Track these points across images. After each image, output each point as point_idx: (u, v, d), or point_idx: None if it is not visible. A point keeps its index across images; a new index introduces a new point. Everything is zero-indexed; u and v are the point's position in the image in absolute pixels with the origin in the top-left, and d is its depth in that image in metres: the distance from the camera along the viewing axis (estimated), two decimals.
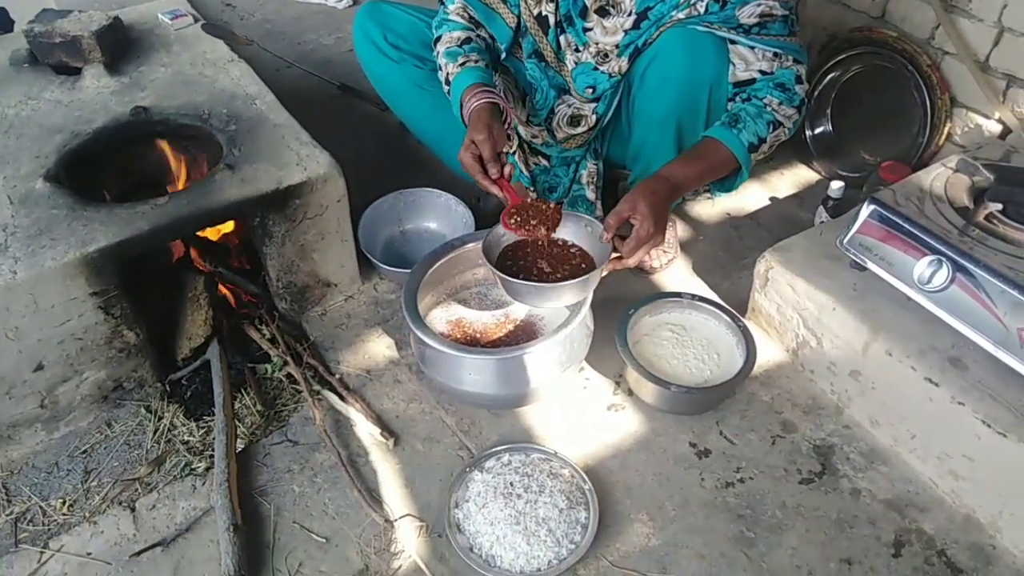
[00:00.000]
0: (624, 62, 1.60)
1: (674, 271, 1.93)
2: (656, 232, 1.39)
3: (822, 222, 1.97)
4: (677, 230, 1.98)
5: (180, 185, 1.74)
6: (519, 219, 1.46)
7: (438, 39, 1.67)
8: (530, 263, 1.49)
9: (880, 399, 1.53)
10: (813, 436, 1.56)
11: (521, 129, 1.90)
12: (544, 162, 1.97)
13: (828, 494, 1.47)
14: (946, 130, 1.98)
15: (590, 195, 1.96)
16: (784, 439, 1.56)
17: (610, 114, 1.72)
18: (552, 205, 1.50)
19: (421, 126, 1.95)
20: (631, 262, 1.42)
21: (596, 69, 1.63)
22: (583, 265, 1.49)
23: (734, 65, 1.51)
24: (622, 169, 2.01)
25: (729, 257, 1.99)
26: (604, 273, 1.45)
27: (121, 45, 1.99)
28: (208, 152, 1.75)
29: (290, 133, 1.73)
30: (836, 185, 1.92)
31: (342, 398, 1.62)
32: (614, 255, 1.43)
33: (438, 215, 1.99)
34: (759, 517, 1.43)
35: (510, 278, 1.40)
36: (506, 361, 1.45)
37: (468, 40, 1.62)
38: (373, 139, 2.41)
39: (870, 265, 1.54)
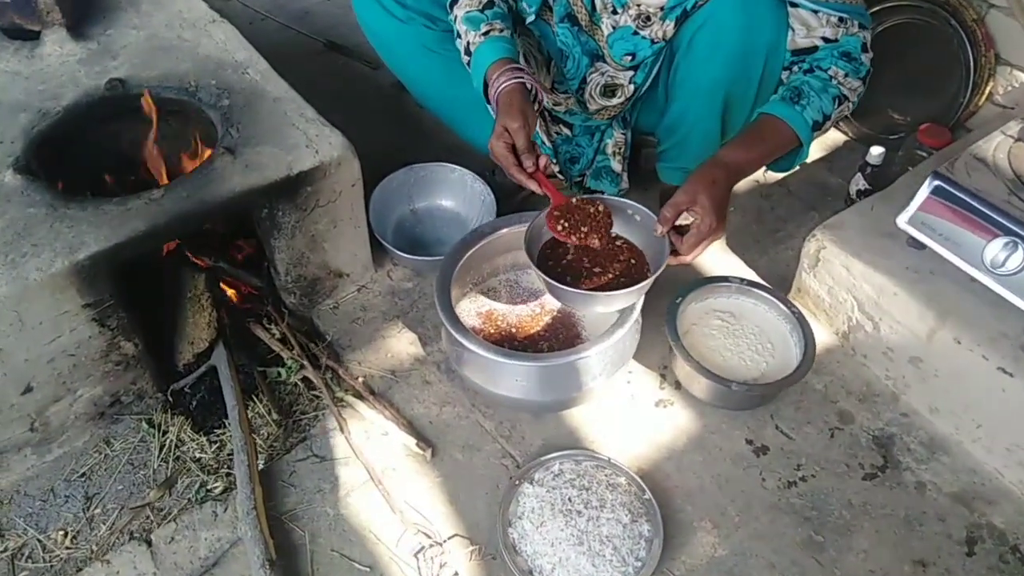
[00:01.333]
0: (670, 26, 1.44)
1: (709, 250, 1.81)
2: (719, 226, 1.27)
3: (859, 190, 1.86)
4: None
5: (163, 177, 1.53)
6: (567, 224, 1.31)
7: (455, 0, 1.48)
8: (575, 261, 1.36)
9: (943, 387, 1.46)
10: (871, 426, 1.49)
11: (543, 96, 1.73)
12: (566, 131, 1.81)
13: (893, 489, 1.40)
14: (987, 89, 1.87)
15: (616, 166, 1.81)
16: (842, 431, 1.48)
17: (648, 83, 1.56)
18: (601, 207, 1.35)
19: (431, 94, 1.77)
20: (689, 259, 1.30)
21: (636, 34, 1.47)
22: (633, 261, 1.36)
23: (793, 31, 1.36)
24: (648, 136, 1.87)
25: (763, 230, 1.88)
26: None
27: (83, 3, 1.74)
28: (200, 131, 1.55)
29: (293, 108, 1.53)
30: (876, 151, 1.80)
31: (369, 404, 1.48)
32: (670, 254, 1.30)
33: (452, 192, 1.83)
34: (826, 519, 1.36)
35: (561, 285, 1.27)
36: (555, 367, 1.32)
37: (491, 3, 1.44)
38: (367, 102, 2.21)
39: (933, 245, 1.45)
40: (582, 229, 1.31)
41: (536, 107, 1.39)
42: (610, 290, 1.31)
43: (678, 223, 1.31)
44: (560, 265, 1.37)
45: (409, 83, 1.78)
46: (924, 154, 1.86)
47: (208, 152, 1.47)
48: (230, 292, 1.62)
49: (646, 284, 1.28)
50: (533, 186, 1.32)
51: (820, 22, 1.34)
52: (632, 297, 1.30)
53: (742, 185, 1.98)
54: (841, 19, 1.34)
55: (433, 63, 1.67)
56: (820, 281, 1.60)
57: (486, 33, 1.39)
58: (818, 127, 1.34)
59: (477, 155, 1.85)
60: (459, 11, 1.45)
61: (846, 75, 1.34)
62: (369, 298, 1.69)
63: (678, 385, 1.54)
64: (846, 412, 1.51)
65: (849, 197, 1.89)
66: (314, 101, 1.55)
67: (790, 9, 1.35)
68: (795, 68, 1.39)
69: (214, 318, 1.52)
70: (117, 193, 1.35)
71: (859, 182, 1.86)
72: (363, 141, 2.08)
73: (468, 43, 1.43)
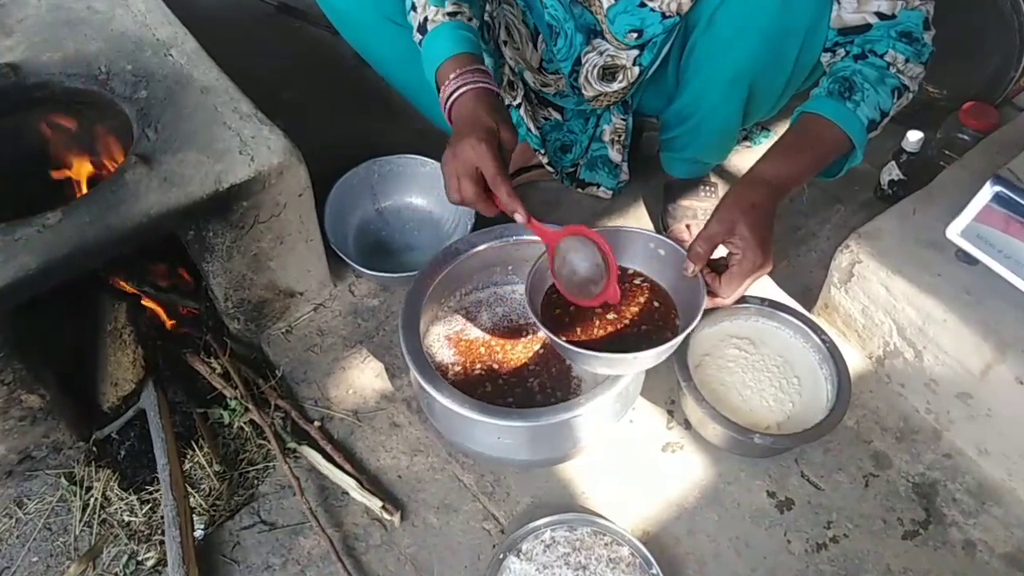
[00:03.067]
0: None
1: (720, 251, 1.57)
2: (765, 261, 1.03)
3: (892, 180, 1.62)
4: (719, 193, 1.60)
5: (82, 184, 1.26)
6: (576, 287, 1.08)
7: None
8: (577, 271, 1.12)
9: (996, 428, 1.25)
10: (910, 471, 1.29)
11: (528, 75, 1.46)
12: (556, 115, 1.55)
13: (937, 550, 1.21)
14: None
15: (614, 156, 1.56)
16: (878, 478, 1.28)
17: (657, 64, 1.30)
18: (604, 241, 1.09)
19: (397, 73, 1.49)
20: (729, 302, 1.06)
21: (644, 6, 1.19)
22: (656, 304, 1.12)
23: (839, 4, 1.10)
24: (649, 118, 1.61)
25: (782, 228, 1.63)
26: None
27: None
28: (110, 128, 1.28)
29: (224, 101, 1.26)
30: (914, 137, 1.56)
31: (327, 456, 1.26)
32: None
33: (423, 188, 1.57)
34: None
35: (576, 348, 1.03)
36: (546, 427, 1.10)
37: None
38: (324, 76, 1.92)
39: (991, 263, 1.22)
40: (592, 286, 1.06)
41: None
42: (629, 340, 1.08)
43: (712, 256, 1.07)
44: (568, 313, 1.13)
45: (372, 61, 1.50)
46: (966, 137, 1.62)
47: (121, 159, 1.20)
48: (163, 315, 1.37)
49: (676, 341, 1.04)
50: (519, 217, 1.04)
51: None
52: (662, 356, 1.06)
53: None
54: None
55: (399, 38, 1.38)
56: (853, 299, 1.37)
57: (452, 15, 1.11)
58: (874, 127, 1.09)
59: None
60: None
61: (907, 60, 1.09)
62: (327, 319, 1.45)
63: (688, 425, 1.32)
64: (882, 454, 1.31)
65: (880, 187, 1.65)
66: (262, 76, 1.28)
67: None
68: (840, 51, 1.13)
69: (140, 356, 1.28)
70: (3, 215, 1.09)
71: (892, 171, 1.62)
72: (320, 124, 1.83)
73: (426, 19, 1.14)
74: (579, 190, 1.62)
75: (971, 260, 1.28)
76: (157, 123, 1.22)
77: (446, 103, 1.07)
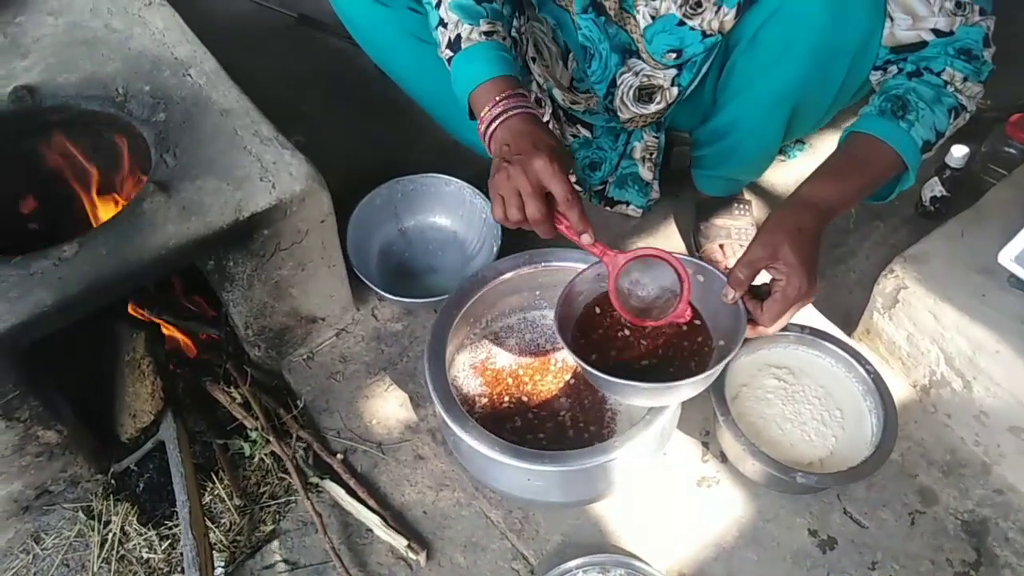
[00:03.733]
0: (729, 15, 1.11)
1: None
2: (810, 289, 0.97)
3: (935, 197, 1.55)
4: (753, 211, 1.54)
5: (95, 219, 1.23)
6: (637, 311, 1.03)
7: None
8: (610, 329, 1.07)
9: None
10: (959, 508, 1.23)
11: (557, 93, 1.41)
12: (585, 132, 1.50)
13: None
14: None
15: (645, 174, 1.51)
16: (925, 515, 1.22)
17: (695, 83, 1.24)
18: (679, 262, 1.04)
19: (422, 89, 1.45)
20: (772, 331, 1.00)
21: (682, 24, 1.14)
22: (685, 327, 1.07)
23: (892, 20, 1.04)
24: (680, 132, 1.55)
25: None
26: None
27: None
28: (128, 152, 1.25)
29: (244, 124, 1.22)
30: (959, 153, 1.49)
31: (350, 491, 1.22)
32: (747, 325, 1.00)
33: (447, 208, 1.53)
34: None
35: (611, 378, 0.97)
36: (580, 472, 1.05)
37: None
38: (345, 89, 1.88)
39: None
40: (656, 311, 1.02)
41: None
42: (664, 370, 1.03)
43: (755, 282, 1.02)
44: (598, 336, 1.08)
45: (396, 77, 1.45)
46: (1013, 151, 1.55)
47: (139, 185, 1.17)
48: (183, 341, 1.34)
49: (716, 370, 0.99)
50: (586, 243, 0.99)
51: (931, 9, 1.01)
52: (700, 386, 1.01)
53: (789, 186, 1.68)
54: (959, 3, 1.01)
55: (423, 54, 1.34)
56: (897, 325, 1.31)
57: (488, 34, 1.06)
58: (928, 148, 1.02)
59: (477, 159, 1.54)
60: None
61: (965, 79, 1.02)
62: (350, 345, 1.41)
63: (724, 458, 1.27)
64: (928, 490, 1.25)
65: (921, 203, 1.58)
66: (281, 89, 1.24)
67: None
68: (892, 68, 1.07)
69: (158, 387, 1.25)
70: (20, 247, 1.05)
71: (935, 187, 1.55)
72: (340, 138, 1.79)
73: (458, 36, 1.09)
74: (608, 208, 1.57)
75: (1023, 286, 1.22)
76: (176, 148, 1.18)
77: (489, 124, 1.02)
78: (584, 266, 1.08)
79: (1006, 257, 1.19)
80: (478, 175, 1.56)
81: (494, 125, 1.01)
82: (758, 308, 0.99)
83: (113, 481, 1.26)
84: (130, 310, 1.25)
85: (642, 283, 1.05)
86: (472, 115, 1.07)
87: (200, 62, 1.31)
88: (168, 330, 1.30)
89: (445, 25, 1.11)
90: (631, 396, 1.07)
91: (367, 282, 1.37)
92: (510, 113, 1.00)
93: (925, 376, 1.31)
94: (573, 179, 1.49)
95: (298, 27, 1.99)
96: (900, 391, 1.34)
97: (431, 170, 1.53)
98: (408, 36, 1.34)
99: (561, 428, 1.18)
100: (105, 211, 1.20)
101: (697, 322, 1.07)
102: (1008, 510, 1.23)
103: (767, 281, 1.04)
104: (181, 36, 1.36)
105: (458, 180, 1.49)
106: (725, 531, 1.20)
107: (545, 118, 1.40)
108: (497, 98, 1.01)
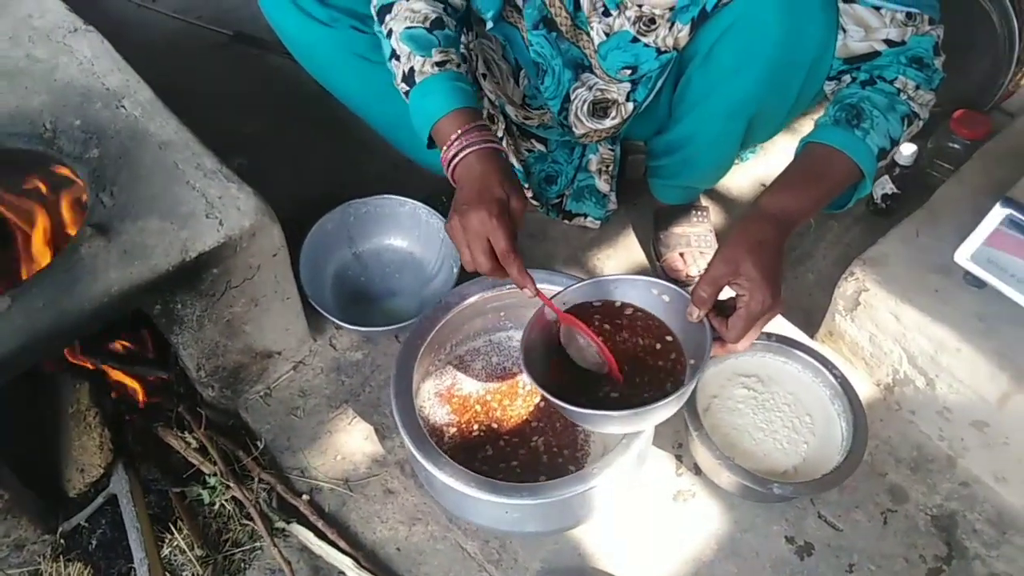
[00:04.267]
0: (683, 31, 1.09)
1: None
2: (774, 303, 0.96)
3: (885, 194, 1.58)
4: (711, 217, 1.54)
5: (32, 262, 1.14)
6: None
7: (387, 6, 1.10)
8: (583, 353, 1.04)
9: (1014, 455, 1.21)
10: (928, 503, 1.24)
11: (510, 109, 1.38)
12: (540, 147, 1.47)
13: None
14: None
15: (602, 186, 1.49)
16: (896, 513, 1.23)
17: (651, 97, 1.22)
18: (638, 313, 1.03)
19: (368, 109, 1.41)
20: (741, 348, 0.99)
21: (637, 41, 1.12)
22: (658, 347, 1.05)
23: (846, 32, 1.04)
24: (635, 142, 1.54)
25: None
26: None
27: None
28: (61, 192, 1.17)
29: (186, 158, 1.16)
30: (908, 151, 1.51)
31: (319, 533, 1.17)
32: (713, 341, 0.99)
33: (403, 229, 1.48)
34: None
35: (580, 409, 0.94)
36: (558, 502, 1.02)
37: (440, 23, 1.06)
38: (287, 106, 1.82)
39: (1004, 289, 1.18)
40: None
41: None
42: (632, 392, 1.01)
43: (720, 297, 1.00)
44: (566, 360, 1.05)
45: (342, 97, 1.41)
46: (957, 147, 1.59)
47: (75, 227, 1.10)
48: (130, 386, 1.27)
49: (686, 391, 0.97)
50: (525, 282, 0.97)
51: (883, 21, 1.01)
52: (673, 407, 0.99)
53: (744, 189, 1.69)
54: (909, 15, 1.01)
55: (368, 74, 1.31)
56: (860, 327, 1.32)
57: (441, 64, 1.02)
58: (884, 155, 1.03)
59: (430, 176, 1.51)
60: (395, 25, 1.07)
61: (917, 87, 1.03)
62: (309, 378, 1.36)
63: (698, 470, 1.26)
64: (898, 487, 1.26)
65: (873, 201, 1.60)
66: (220, 111, 1.18)
67: (843, 5, 1.02)
68: (846, 78, 1.07)
69: (107, 438, 1.18)
70: None
71: (886, 185, 1.57)
72: (286, 159, 1.72)
73: (412, 69, 1.05)
74: (566, 222, 1.55)
75: (979, 283, 1.24)
76: (112, 186, 1.11)
77: (449, 162, 1.00)
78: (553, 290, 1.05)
79: (962, 256, 1.21)
80: (432, 193, 1.53)
81: (453, 163, 0.99)
82: (723, 325, 0.98)
83: (63, 541, 1.18)
84: (70, 358, 1.18)
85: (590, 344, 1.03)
86: (431, 144, 1.04)
87: (134, 92, 1.25)
88: (113, 376, 1.23)
89: (398, 58, 1.07)
90: (607, 426, 1.05)
91: (323, 312, 1.32)
92: (467, 151, 0.98)
93: (888, 375, 1.32)
94: (533, 204, 1.47)
95: (234, 45, 1.91)
96: (864, 390, 1.35)
97: (382, 189, 1.48)
98: (353, 56, 1.30)
99: (534, 454, 1.16)
100: (38, 259, 1.13)
101: (669, 339, 1.06)
102: (974, 502, 1.25)
103: (733, 296, 1.03)
104: (111, 64, 1.29)
105: (412, 200, 1.45)
106: (704, 545, 1.19)
107: (499, 134, 1.38)
108: (453, 137, 0.99)
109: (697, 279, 1.44)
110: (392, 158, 1.64)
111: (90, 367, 1.20)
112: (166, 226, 1.07)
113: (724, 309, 1.01)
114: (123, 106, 1.22)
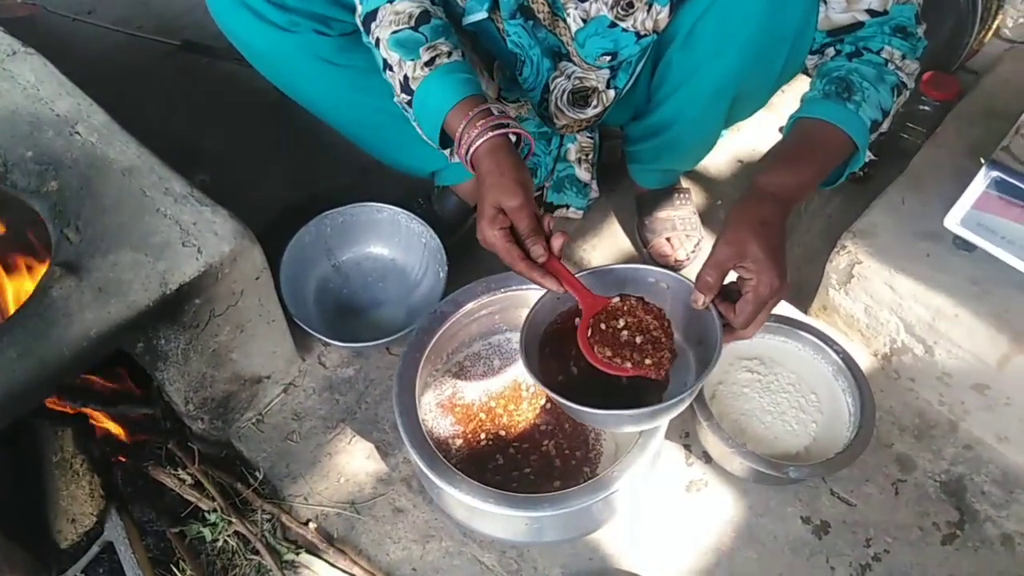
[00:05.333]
0: (662, 13, 1.06)
1: (703, 259, 1.49)
2: (782, 285, 0.94)
3: (866, 162, 1.57)
4: (693, 198, 1.52)
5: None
6: (612, 348, 0.95)
7: (371, 13, 1.04)
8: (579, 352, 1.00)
9: (1016, 415, 1.22)
10: (935, 470, 1.25)
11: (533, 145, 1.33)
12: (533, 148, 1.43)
13: (978, 550, 1.18)
14: (995, 24, 1.59)
15: (583, 175, 1.46)
16: (906, 483, 1.24)
17: (631, 83, 1.19)
18: (658, 309, 0.99)
19: (335, 115, 1.34)
20: (750, 334, 0.97)
21: (615, 26, 1.09)
22: (664, 340, 1.02)
23: (827, 4, 1.02)
24: (611, 127, 1.51)
25: None
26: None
27: None
28: (20, 231, 1.10)
29: (152, 183, 1.09)
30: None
31: (330, 560, 1.13)
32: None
33: (383, 236, 1.43)
34: None
35: (588, 409, 0.91)
36: (576, 512, 0.99)
37: (425, 16, 1.01)
38: (245, 115, 1.74)
39: (995, 251, 1.18)
40: (637, 354, 0.95)
41: (526, 157, 1.01)
42: (642, 387, 0.98)
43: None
44: (564, 356, 1.01)
45: (306, 103, 1.34)
46: (927, 108, 1.59)
47: (42, 269, 1.03)
48: (115, 430, 1.20)
49: (694, 390, 0.95)
50: (551, 284, 0.94)
51: None
52: (683, 405, 0.96)
53: (723, 167, 1.67)
54: None
55: (334, 79, 1.25)
56: (854, 299, 1.32)
57: (430, 63, 0.97)
58: (876, 128, 1.01)
59: (402, 177, 1.46)
60: (381, 32, 1.01)
61: (903, 56, 1.01)
62: (301, 400, 1.31)
63: (708, 458, 1.25)
64: (905, 457, 1.26)
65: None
66: (176, 126, 1.12)
67: None
68: (830, 51, 1.05)
69: (96, 484, 1.12)
70: None
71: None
72: (251, 172, 1.65)
73: (406, 77, 1.00)
74: (547, 214, 1.51)
75: (968, 247, 1.24)
76: (77, 220, 1.04)
77: (466, 157, 0.97)
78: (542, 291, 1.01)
79: (951, 221, 1.21)
80: (406, 194, 1.48)
81: (470, 160, 0.97)
82: (731, 311, 0.96)
83: None
84: (48, 404, 1.11)
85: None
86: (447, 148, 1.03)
87: (87, 116, 1.17)
88: (96, 419, 1.16)
89: (391, 68, 1.02)
90: (620, 425, 1.02)
91: (309, 331, 1.26)
92: (477, 146, 0.94)
93: (886, 345, 1.32)
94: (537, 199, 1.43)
95: (181, 54, 1.82)
96: (863, 361, 1.34)
97: (354, 196, 1.43)
98: (317, 61, 1.23)
99: (547, 459, 1.13)
100: (4, 307, 1.05)
101: (664, 340, 1.02)
102: (979, 464, 1.26)
103: (735, 280, 1.00)
104: (58, 88, 1.21)
105: (390, 206, 1.39)
106: (722, 533, 1.18)
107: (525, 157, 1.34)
108: (459, 129, 0.95)
109: (684, 262, 1.42)
110: (361, 163, 1.58)
111: (71, 411, 1.13)
112: (140, 258, 1.01)
113: (729, 294, 0.99)
114: (77, 132, 1.15)
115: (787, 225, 0.98)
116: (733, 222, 0.95)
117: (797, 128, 1.02)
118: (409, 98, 1.00)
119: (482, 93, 0.99)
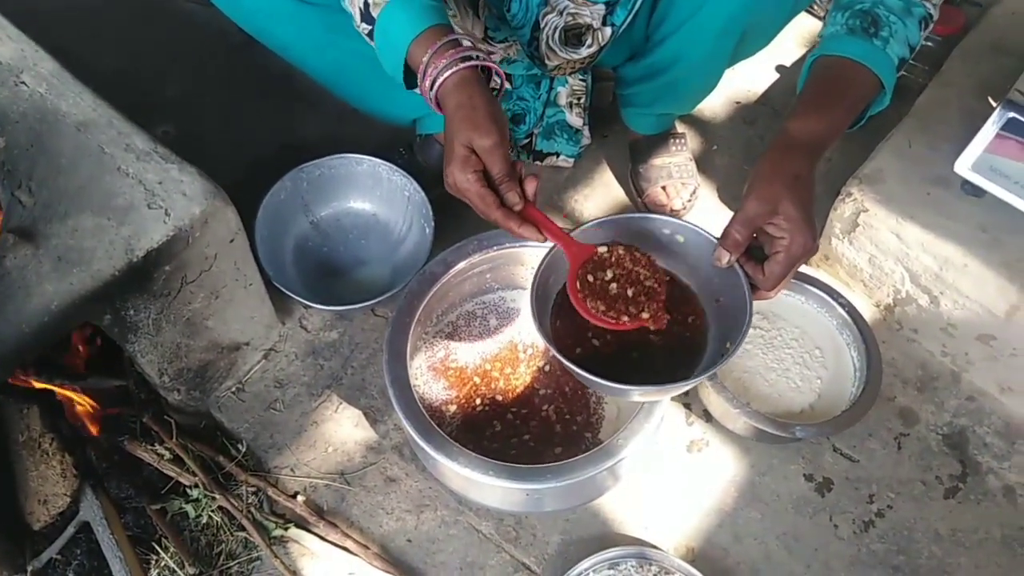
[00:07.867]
0: None
1: (700, 207, 1.44)
2: (813, 244, 0.87)
3: None
4: (688, 144, 1.44)
5: None
6: (605, 302, 0.87)
7: None
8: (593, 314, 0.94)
9: (1021, 366, 1.20)
10: (938, 422, 1.23)
11: (504, 80, 1.24)
12: (505, 84, 1.34)
13: (981, 503, 1.17)
14: None
15: (574, 120, 1.38)
16: (908, 437, 1.22)
17: (629, 20, 1.10)
18: (647, 257, 0.92)
19: (310, 58, 1.23)
20: (775, 294, 0.91)
21: None
22: (657, 288, 0.93)
23: None
24: (603, 68, 1.42)
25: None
26: None
27: None
28: None
29: (111, 138, 1.00)
30: None
31: (321, 532, 1.09)
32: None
33: (363, 190, 1.35)
34: (916, 563, 1.12)
35: (606, 382, 0.84)
36: (579, 483, 0.95)
37: None
38: (208, 60, 1.62)
39: (1008, 197, 1.14)
40: (631, 306, 0.88)
41: (498, 95, 0.92)
42: (655, 352, 0.92)
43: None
44: (573, 322, 0.94)
45: (275, 48, 1.23)
46: (931, 43, 1.52)
47: None
48: (85, 404, 1.13)
49: (733, 352, 0.88)
50: (530, 233, 0.87)
51: None
52: (703, 379, 0.90)
53: (718, 110, 1.60)
54: None
55: (305, 19, 1.14)
56: (859, 249, 1.27)
57: None
58: (903, 64, 0.93)
59: (379, 125, 1.37)
60: None
61: None
62: (283, 366, 1.24)
63: (708, 416, 1.21)
64: (907, 410, 1.24)
65: None
66: (135, 74, 1.04)
67: None
68: None
69: (69, 464, 1.05)
70: None
71: None
72: (219, 121, 1.54)
73: (366, 3, 0.91)
74: (537, 163, 1.44)
75: (978, 192, 1.19)
76: (29, 181, 0.95)
77: (431, 92, 0.87)
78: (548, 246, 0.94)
79: (963, 166, 1.16)
80: (385, 143, 1.39)
81: (434, 96, 0.87)
82: (758, 271, 0.89)
83: None
84: (13, 381, 1.03)
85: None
86: (411, 83, 0.92)
87: (33, 64, 1.06)
88: (65, 394, 1.09)
89: None
90: (642, 397, 0.97)
91: (289, 293, 1.19)
92: (443, 79, 0.85)
93: (889, 296, 1.29)
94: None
95: None
96: (865, 312, 1.30)
97: (328, 146, 1.33)
98: (286, 0, 1.13)
99: (547, 424, 1.09)
100: None
101: (680, 302, 0.96)
102: (981, 415, 1.24)
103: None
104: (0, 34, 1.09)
105: (370, 157, 1.31)
106: (724, 494, 1.16)
107: (498, 95, 1.24)
108: (424, 61, 0.86)
109: (680, 211, 1.36)
110: (335, 109, 1.49)
111: (35, 386, 1.05)
112: (103, 223, 0.92)
113: (752, 252, 0.92)
114: (23, 82, 1.04)
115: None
116: (765, 175, 0.87)
117: (822, 68, 0.93)
118: (370, 28, 0.90)
119: (449, 23, 0.89)
